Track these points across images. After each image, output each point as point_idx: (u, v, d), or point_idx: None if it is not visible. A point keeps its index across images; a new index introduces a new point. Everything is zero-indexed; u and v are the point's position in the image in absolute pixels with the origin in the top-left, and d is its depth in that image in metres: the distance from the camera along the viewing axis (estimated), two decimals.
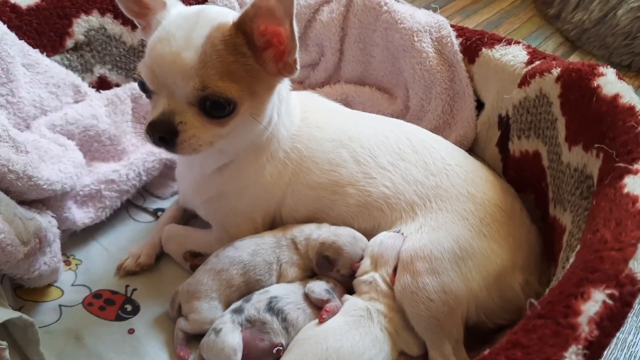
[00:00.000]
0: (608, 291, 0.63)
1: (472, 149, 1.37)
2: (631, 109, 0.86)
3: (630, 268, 0.64)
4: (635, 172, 0.77)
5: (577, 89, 0.96)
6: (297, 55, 0.92)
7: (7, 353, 0.87)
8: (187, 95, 0.90)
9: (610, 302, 0.61)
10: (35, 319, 1.06)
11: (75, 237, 1.22)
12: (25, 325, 0.93)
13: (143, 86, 0.95)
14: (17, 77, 1.12)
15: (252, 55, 0.92)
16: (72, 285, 1.15)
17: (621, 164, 0.79)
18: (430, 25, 1.37)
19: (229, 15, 0.94)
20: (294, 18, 0.85)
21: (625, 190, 0.75)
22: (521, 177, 1.18)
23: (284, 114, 1.09)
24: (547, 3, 2.31)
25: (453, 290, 0.96)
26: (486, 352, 0.62)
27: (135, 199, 1.34)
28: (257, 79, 0.94)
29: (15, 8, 1.19)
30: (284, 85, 1.07)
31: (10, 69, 1.10)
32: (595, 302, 0.62)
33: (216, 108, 0.91)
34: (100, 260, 1.20)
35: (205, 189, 1.12)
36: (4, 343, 0.86)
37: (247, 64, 0.92)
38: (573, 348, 0.59)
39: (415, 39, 1.36)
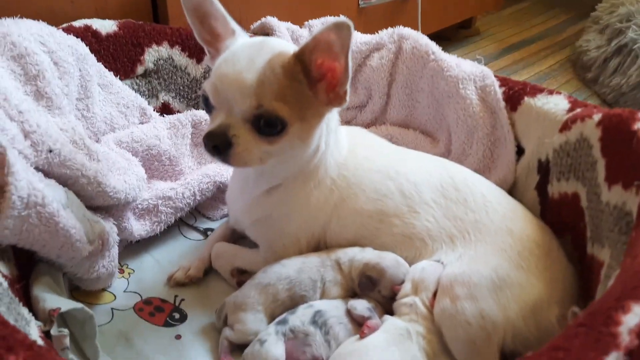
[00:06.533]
0: None
1: (511, 193, 1.40)
2: None
3: None
4: None
5: (618, 132, 1.01)
6: (347, 87, 1.00)
7: (67, 340, 0.92)
8: (243, 112, 0.98)
9: None
10: None
11: (129, 248, 1.30)
12: (84, 318, 0.99)
13: (206, 101, 1.04)
14: (93, 94, 1.23)
15: (307, 84, 1.00)
16: (124, 291, 1.21)
17: None
18: (474, 75, 1.45)
19: (290, 47, 1.04)
20: (350, 52, 0.93)
21: None
22: (559, 218, 1.21)
23: (332, 145, 1.17)
24: (586, 67, 2.38)
25: (491, 316, 0.99)
26: (529, 354, 0.66)
27: (187, 218, 1.42)
28: (308, 106, 1.02)
29: (96, 34, 1.32)
30: (333, 118, 1.16)
31: (88, 86, 1.21)
32: (635, 314, 0.65)
33: (268, 126, 0.98)
34: (152, 271, 1.26)
35: (254, 210, 1.19)
36: (66, 330, 0.92)
37: (301, 91, 1.00)
38: (614, 354, 0.62)
39: (460, 86, 1.43)
